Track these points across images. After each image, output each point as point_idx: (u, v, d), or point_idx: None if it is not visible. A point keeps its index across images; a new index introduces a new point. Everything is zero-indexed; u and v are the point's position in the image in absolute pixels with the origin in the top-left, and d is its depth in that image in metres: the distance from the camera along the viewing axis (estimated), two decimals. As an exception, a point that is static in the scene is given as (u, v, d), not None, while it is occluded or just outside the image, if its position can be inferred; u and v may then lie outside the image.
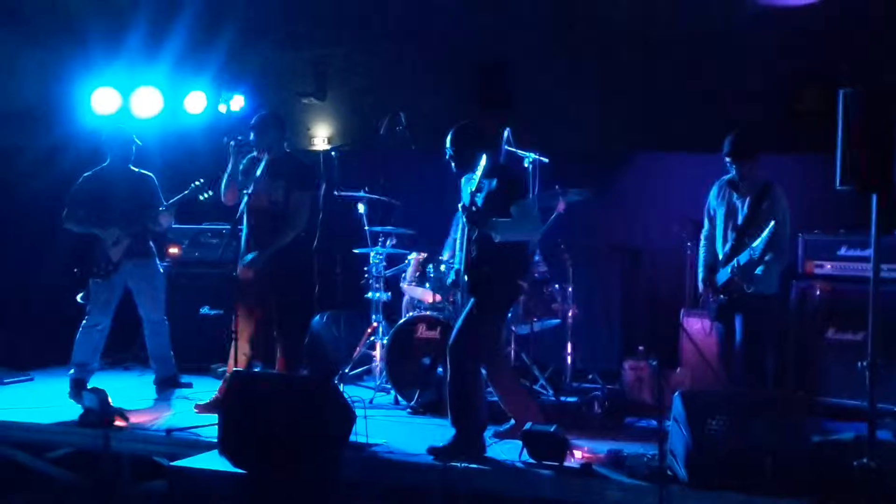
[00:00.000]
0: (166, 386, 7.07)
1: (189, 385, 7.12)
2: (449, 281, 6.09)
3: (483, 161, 5.33)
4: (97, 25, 7.83)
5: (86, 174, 6.91)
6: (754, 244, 5.36)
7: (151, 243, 7.00)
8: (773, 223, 5.28)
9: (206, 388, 6.92)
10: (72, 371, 6.82)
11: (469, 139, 5.53)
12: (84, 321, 6.84)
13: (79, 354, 6.83)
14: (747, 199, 5.52)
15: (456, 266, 5.67)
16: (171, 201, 6.84)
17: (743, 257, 5.48)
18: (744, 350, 5.48)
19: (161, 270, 7.10)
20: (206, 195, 6.78)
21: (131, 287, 6.91)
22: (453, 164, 5.57)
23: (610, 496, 4.91)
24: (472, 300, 5.45)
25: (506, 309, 5.73)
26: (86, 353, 6.83)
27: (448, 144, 5.54)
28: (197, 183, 6.77)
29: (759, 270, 5.34)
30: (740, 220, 5.53)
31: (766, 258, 5.33)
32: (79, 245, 6.87)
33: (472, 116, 7.32)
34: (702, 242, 5.94)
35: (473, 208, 5.37)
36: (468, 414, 5.38)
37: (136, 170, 6.97)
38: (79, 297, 6.92)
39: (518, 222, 5.34)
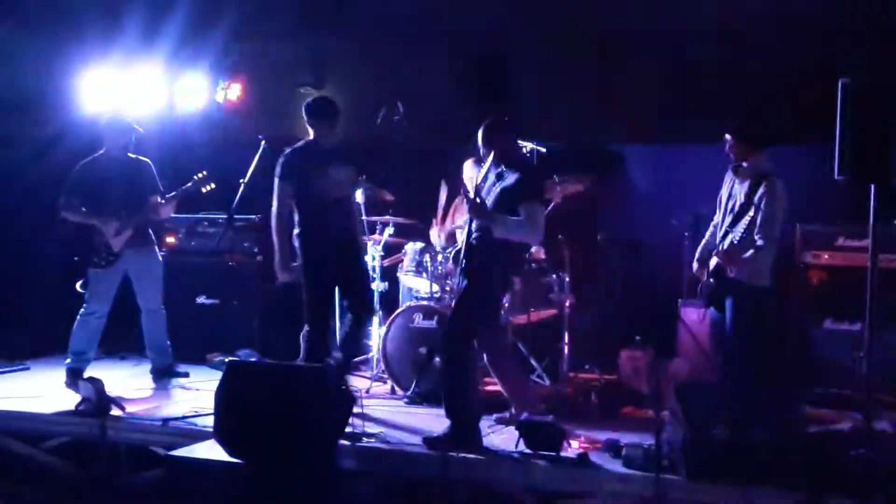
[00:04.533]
0: (163, 375, 7.05)
1: (186, 374, 7.10)
2: (449, 262, 6.10)
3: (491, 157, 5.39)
4: (93, 13, 7.80)
5: (82, 162, 6.87)
6: (736, 230, 5.37)
7: (150, 231, 6.99)
8: (752, 210, 5.28)
9: (203, 378, 6.94)
10: (68, 360, 6.82)
11: (501, 133, 5.56)
12: (82, 310, 6.84)
13: (76, 343, 6.83)
14: (744, 187, 5.52)
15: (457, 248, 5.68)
16: (173, 194, 6.82)
17: (727, 241, 5.48)
18: (731, 337, 5.49)
19: (160, 259, 7.09)
20: (208, 188, 6.77)
21: (130, 275, 6.89)
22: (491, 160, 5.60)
23: (606, 486, 4.91)
24: (464, 284, 5.47)
25: (496, 297, 5.70)
26: (83, 342, 6.83)
27: (481, 142, 5.56)
28: (199, 175, 6.77)
29: (747, 255, 5.34)
30: (736, 206, 5.53)
31: (756, 246, 5.32)
32: (78, 234, 6.84)
33: (470, 109, 7.36)
34: (710, 228, 5.94)
35: (477, 199, 5.37)
36: (463, 403, 5.37)
37: (133, 156, 6.95)
38: (78, 286, 6.91)
39: (522, 223, 5.34)
